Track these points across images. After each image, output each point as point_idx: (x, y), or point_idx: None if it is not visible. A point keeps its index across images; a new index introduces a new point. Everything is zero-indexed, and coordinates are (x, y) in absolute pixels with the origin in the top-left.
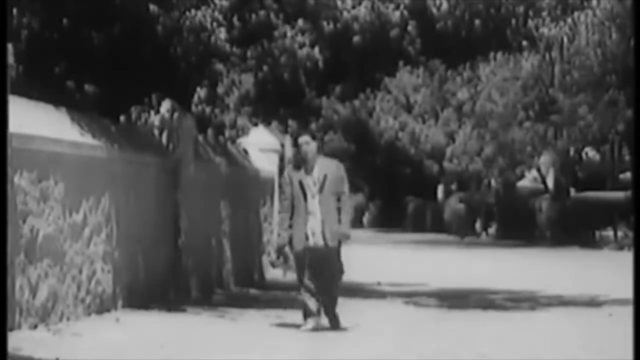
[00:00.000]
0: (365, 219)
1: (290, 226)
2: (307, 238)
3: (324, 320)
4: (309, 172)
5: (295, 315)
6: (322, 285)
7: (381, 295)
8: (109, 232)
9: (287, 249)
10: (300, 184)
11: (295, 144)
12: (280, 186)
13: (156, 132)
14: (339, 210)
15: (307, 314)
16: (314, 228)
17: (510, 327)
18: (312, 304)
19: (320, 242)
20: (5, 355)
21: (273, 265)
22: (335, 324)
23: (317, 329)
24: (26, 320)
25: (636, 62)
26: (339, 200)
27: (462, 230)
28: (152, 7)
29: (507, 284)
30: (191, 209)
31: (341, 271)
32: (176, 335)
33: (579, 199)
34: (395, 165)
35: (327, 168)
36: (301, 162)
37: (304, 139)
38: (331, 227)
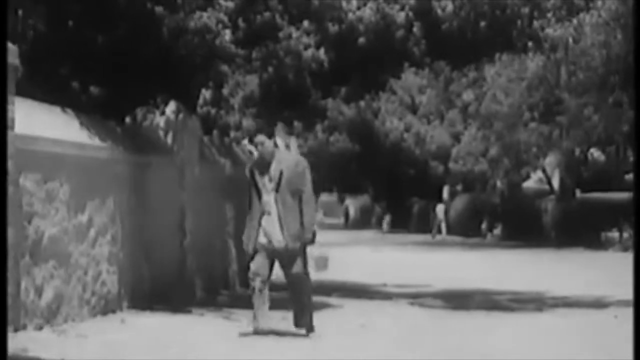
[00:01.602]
0: (385, 223)
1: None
2: (262, 239)
3: (264, 324)
4: (264, 171)
5: None
6: (290, 292)
7: (387, 296)
8: (114, 233)
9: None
10: (255, 181)
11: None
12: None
13: (161, 133)
14: (300, 210)
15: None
16: (271, 228)
17: (516, 328)
18: (257, 306)
19: (280, 244)
20: (5, 355)
21: None
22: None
23: (257, 333)
24: (31, 322)
25: (636, 63)
26: (300, 200)
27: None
28: (157, 9)
29: (512, 285)
30: (196, 210)
31: (306, 274)
32: (181, 336)
33: (585, 200)
34: (400, 166)
35: (284, 164)
36: (258, 164)
37: (259, 139)
38: (290, 227)
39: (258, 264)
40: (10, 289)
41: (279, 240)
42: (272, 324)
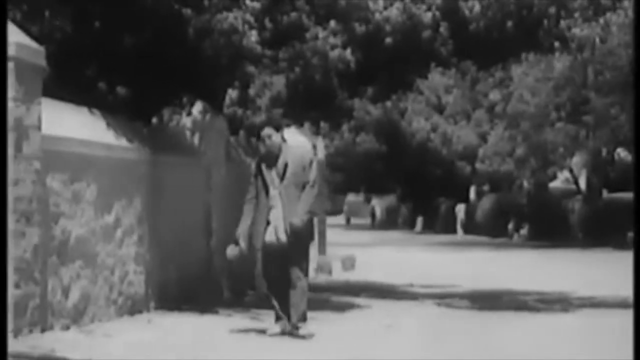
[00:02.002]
0: (419, 223)
1: (252, 220)
2: (269, 236)
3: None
4: (272, 165)
5: (327, 316)
6: (286, 284)
7: (413, 296)
8: (141, 234)
9: (241, 247)
10: (263, 175)
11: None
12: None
13: (188, 133)
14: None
15: (277, 317)
16: (276, 222)
17: (542, 328)
18: (277, 305)
19: (283, 239)
20: (6, 355)
21: None
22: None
23: (285, 333)
24: (58, 322)
25: (636, 63)
26: (303, 190)
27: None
28: (184, 10)
29: (538, 285)
30: (223, 210)
31: (305, 270)
32: (208, 337)
33: (611, 200)
34: (426, 167)
35: (290, 156)
36: (266, 158)
37: (266, 132)
38: (293, 222)
39: (267, 262)
40: (38, 289)
41: (282, 234)
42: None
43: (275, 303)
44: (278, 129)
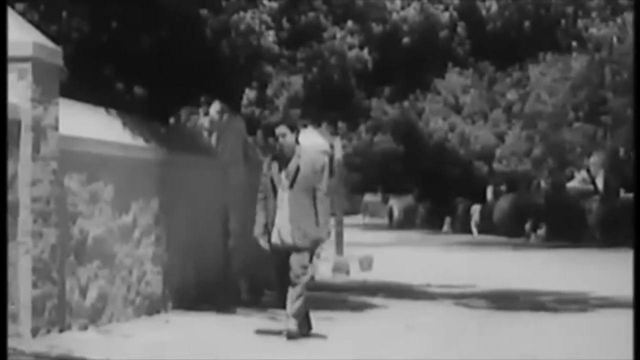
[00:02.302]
0: (446, 224)
1: (266, 219)
2: (274, 238)
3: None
4: (284, 165)
5: (345, 316)
6: (289, 289)
7: (431, 296)
8: (158, 234)
9: (262, 242)
10: (272, 177)
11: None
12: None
13: (205, 133)
14: (315, 208)
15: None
16: (282, 225)
17: (560, 328)
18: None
19: (289, 241)
20: (6, 355)
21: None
22: (303, 330)
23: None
24: (76, 322)
25: (636, 63)
26: (315, 198)
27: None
28: (201, 10)
29: (556, 285)
30: (240, 211)
31: (306, 275)
32: (226, 337)
33: (629, 200)
34: (444, 167)
35: (301, 160)
36: (278, 157)
37: (280, 130)
38: (301, 225)
39: (278, 262)
40: (55, 289)
41: (288, 237)
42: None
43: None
44: (293, 128)
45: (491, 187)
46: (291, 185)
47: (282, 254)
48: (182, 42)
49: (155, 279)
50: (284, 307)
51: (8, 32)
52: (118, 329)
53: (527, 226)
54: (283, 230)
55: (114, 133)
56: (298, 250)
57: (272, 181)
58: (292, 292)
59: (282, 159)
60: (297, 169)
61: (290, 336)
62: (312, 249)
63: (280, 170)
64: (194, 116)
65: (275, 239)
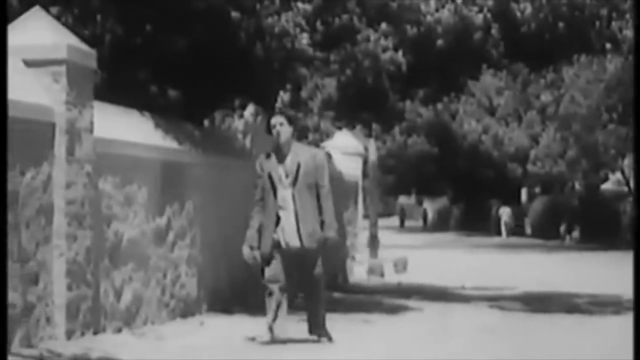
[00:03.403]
0: (507, 228)
1: (261, 224)
2: (277, 238)
3: (279, 331)
4: (280, 160)
5: (379, 318)
6: (304, 295)
7: (465, 298)
8: (192, 236)
9: (255, 252)
10: (270, 175)
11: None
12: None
13: (240, 136)
14: (319, 206)
15: (270, 327)
16: (286, 226)
17: (595, 331)
18: (271, 313)
19: (295, 243)
20: (5, 355)
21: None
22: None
23: (270, 341)
24: (110, 324)
25: (636, 63)
26: (318, 195)
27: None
28: (234, 13)
29: (591, 287)
30: None
31: (321, 277)
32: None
33: None
34: (478, 168)
35: (301, 156)
36: (273, 148)
37: (278, 119)
38: (308, 225)
39: (274, 269)
40: (90, 291)
41: (294, 239)
42: (290, 332)
43: (272, 309)
44: (290, 120)
45: (525, 189)
46: (294, 183)
47: (286, 258)
48: (217, 44)
49: (190, 282)
50: (268, 310)
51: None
52: (152, 331)
53: (562, 228)
54: (288, 232)
55: (148, 136)
56: (307, 252)
57: (270, 180)
58: (314, 301)
59: (279, 153)
60: (298, 165)
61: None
62: (320, 250)
63: (277, 165)
64: (228, 119)
65: (281, 243)
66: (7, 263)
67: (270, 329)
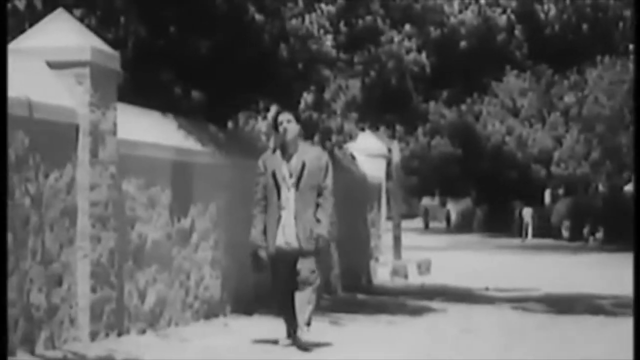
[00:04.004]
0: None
1: (264, 223)
2: (280, 240)
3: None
4: (286, 159)
5: (403, 320)
6: (296, 296)
7: (489, 300)
8: (216, 238)
9: (261, 252)
10: (274, 174)
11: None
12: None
13: (263, 137)
14: (317, 205)
15: (288, 333)
16: (286, 227)
17: (619, 332)
18: (288, 317)
19: (294, 244)
20: (5, 355)
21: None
22: (298, 341)
23: (293, 345)
24: (135, 326)
25: (636, 64)
26: (319, 195)
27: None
28: (258, 16)
29: (615, 289)
30: None
31: (316, 279)
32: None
33: None
34: (501, 170)
35: (306, 156)
36: (279, 146)
37: (285, 116)
38: (306, 227)
39: (281, 270)
40: (114, 293)
41: (293, 240)
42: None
43: (285, 316)
44: (298, 119)
45: (549, 191)
46: (297, 183)
47: (287, 259)
48: (240, 46)
49: (214, 283)
50: (282, 315)
51: (60, 35)
52: (176, 333)
53: (585, 230)
54: (288, 233)
55: (171, 137)
56: (304, 253)
57: (274, 178)
58: (300, 298)
59: (284, 152)
60: (303, 165)
61: (304, 347)
62: (317, 250)
63: (281, 164)
64: (251, 120)
65: (280, 242)
66: (7, 264)
67: (289, 332)
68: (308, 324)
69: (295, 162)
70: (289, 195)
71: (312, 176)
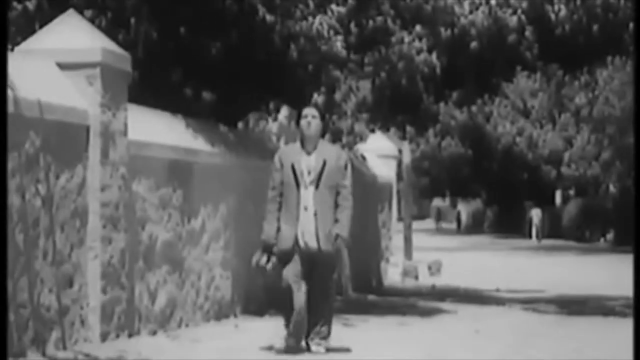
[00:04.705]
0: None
1: (279, 220)
2: (297, 237)
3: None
4: (307, 153)
5: (415, 321)
6: (311, 297)
7: (500, 301)
8: (227, 239)
9: (272, 250)
10: (293, 168)
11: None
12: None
13: (274, 138)
14: (336, 206)
15: (289, 333)
16: (305, 226)
17: (630, 333)
18: (294, 320)
19: (313, 244)
20: (5, 355)
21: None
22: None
23: (291, 351)
24: (145, 327)
25: (636, 64)
26: (338, 194)
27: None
28: (268, 16)
29: (626, 290)
30: None
31: (333, 283)
32: None
33: None
34: (512, 171)
35: (326, 154)
36: (299, 140)
37: (311, 111)
38: (326, 226)
39: (293, 268)
40: (125, 294)
41: (312, 240)
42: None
43: (289, 316)
44: (323, 116)
45: (559, 191)
46: (317, 182)
47: (304, 259)
48: (251, 47)
49: (224, 284)
50: (288, 318)
51: (71, 37)
52: (187, 334)
53: (596, 231)
54: (308, 232)
55: (182, 138)
56: (324, 256)
57: (294, 173)
58: (322, 309)
59: (304, 147)
60: (324, 164)
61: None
62: (336, 254)
63: (301, 159)
64: (262, 121)
65: (298, 242)
66: (7, 264)
67: (289, 334)
68: (325, 337)
69: (316, 159)
70: (307, 193)
71: (332, 175)
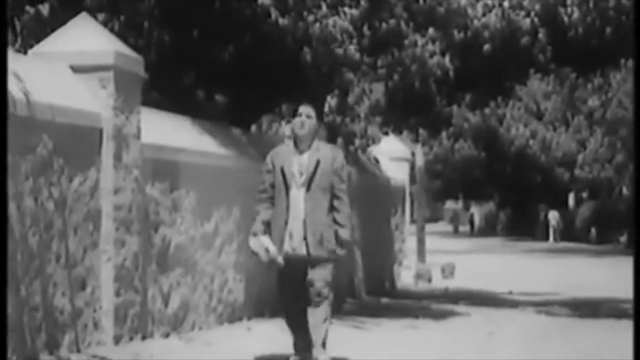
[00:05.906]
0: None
1: (269, 223)
2: (287, 245)
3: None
4: (299, 153)
5: (427, 324)
6: (303, 306)
7: (513, 304)
8: (240, 242)
9: (271, 249)
10: (282, 170)
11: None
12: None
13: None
14: (333, 208)
15: (295, 346)
16: (294, 231)
17: None
18: (298, 331)
19: (301, 250)
20: (5, 355)
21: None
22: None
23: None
24: (158, 329)
25: (636, 63)
26: (334, 197)
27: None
28: (281, 20)
29: None
30: None
31: (328, 291)
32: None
33: None
34: (525, 173)
35: (320, 154)
36: (292, 139)
37: (306, 109)
38: (317, 231)
39: (287, 277)
40: (138, 297)
41: (301, 246)
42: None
43: (292, 328)
44: (319, 115)
45: (573, 194)
46: (309, 183)
47: (294, 266)
48: (264, 50)
49: (237, 287)
50: (290, 328)
51: (84, 40)
52: (200, 336)
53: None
54: (295, 237)
55: (195, 141)
56: (314, 261)
57: (283, 175)
58: (316, 316)
59: (297, 147)
60: (317, 164)
61: None
62: (332, 259)
63: (293, 160)
64: (275, 124)
65: (286, 248)
66: (7, 265)
67: (297, 347)
68: (323, 344)
69: (308, 160)
70: (298, 195)
71: (325, 177)
